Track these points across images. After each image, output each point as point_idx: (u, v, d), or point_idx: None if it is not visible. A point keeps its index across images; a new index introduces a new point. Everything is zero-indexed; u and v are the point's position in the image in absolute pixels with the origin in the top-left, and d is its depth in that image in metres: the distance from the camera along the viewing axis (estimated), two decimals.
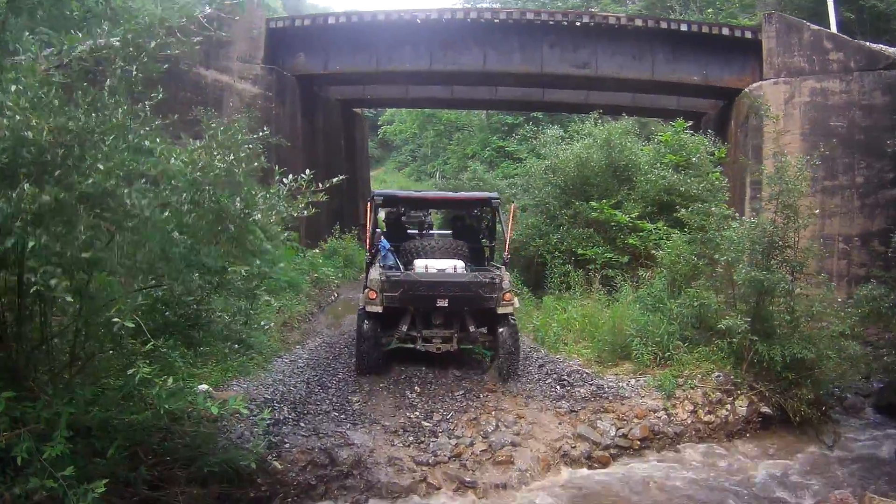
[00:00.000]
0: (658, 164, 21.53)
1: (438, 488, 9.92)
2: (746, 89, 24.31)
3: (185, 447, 8.29)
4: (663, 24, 26.02)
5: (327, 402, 11.94)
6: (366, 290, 13.36)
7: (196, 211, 7.13)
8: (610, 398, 12.71)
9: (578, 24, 26.30)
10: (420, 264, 13.85)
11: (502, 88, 35.15)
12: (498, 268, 14.06)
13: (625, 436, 11.97)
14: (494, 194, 15.38)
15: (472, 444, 10.87)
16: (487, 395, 12.60)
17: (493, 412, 11.89)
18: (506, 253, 14.40)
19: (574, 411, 12.23)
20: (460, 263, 13.99)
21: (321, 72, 29.80)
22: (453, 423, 11.42)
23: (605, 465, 11.41)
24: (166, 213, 6.59)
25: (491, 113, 51.57)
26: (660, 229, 19.39)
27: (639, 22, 26.29)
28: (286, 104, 28.97)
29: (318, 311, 20.45)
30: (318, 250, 26.60)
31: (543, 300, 19.04)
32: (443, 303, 12.99)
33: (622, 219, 19.92)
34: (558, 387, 13.19)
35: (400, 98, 37.23)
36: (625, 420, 12.20)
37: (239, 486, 8.60)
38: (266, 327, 9.15)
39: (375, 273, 13.23)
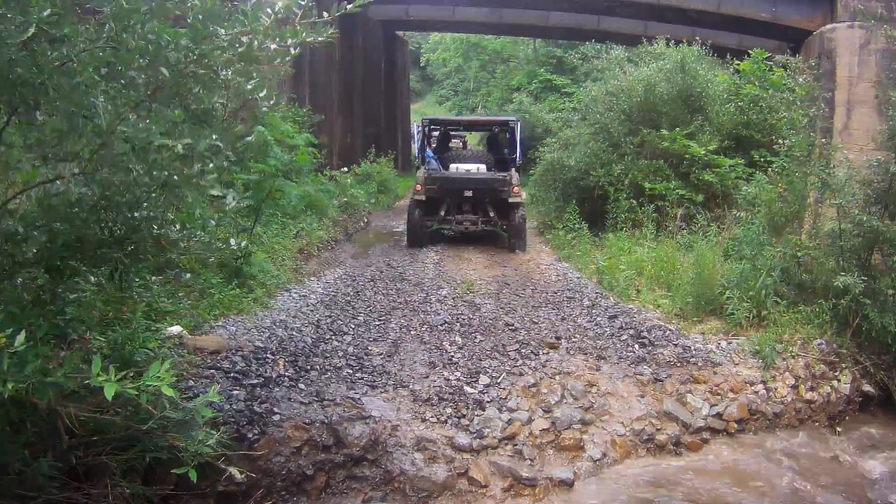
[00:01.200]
0: (735, 95, 18.44)
1: (484, 486, 6.84)
2: (817, 31, 20.73)
3: (115, 425, 5.14)
4: None
5: (339, 354, 8.74)
6: (415, 185, 17.44)
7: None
8: (699, 364, 9.48)
9: None
10: (453, 167, 18.44)
11: (554, 14, 31.67)
12: (513, 170, 17.90)
13: (719, 415, 8.81)
14: (513, 117, 21.35)
15: (529, 422, 7.78)
16: (549, 353, 9.42)
17: (557, 376, 8.74)
18: (518, 160, 18.89)
19: (658, 380, 9.05)
20: (483, 167, 18.55)
21: None
22: (505, 391, 8.26)
23: (695, 451, 8.32)
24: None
25: (539, 44, 47.94)
26: (737, 166, 16.41)
27: None
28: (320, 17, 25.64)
29: (343, 238, 17.42)
30: (350, 174, 23.72)
31: (606, 239, 15.95)
32: (468, 193, 17.22)
33: (697, 151, 16.60)
34: (637, 346, 9.97)
35: (445, 20, 33.62)
36: (718, 394, 9.03)
37: (203, 478, 5.38)
38: (241, 247, 6.24)
39: (421, 172, 17.51)
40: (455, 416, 7.58)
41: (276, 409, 6.89)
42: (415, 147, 21.79)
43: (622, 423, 8.10)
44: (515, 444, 7.38)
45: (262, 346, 8.44)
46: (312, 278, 12.38)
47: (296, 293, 11.12)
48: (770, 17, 22.81)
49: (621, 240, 15.28)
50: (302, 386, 7.63)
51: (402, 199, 26.67)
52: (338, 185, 19.55)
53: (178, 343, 7.44)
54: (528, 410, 7.91)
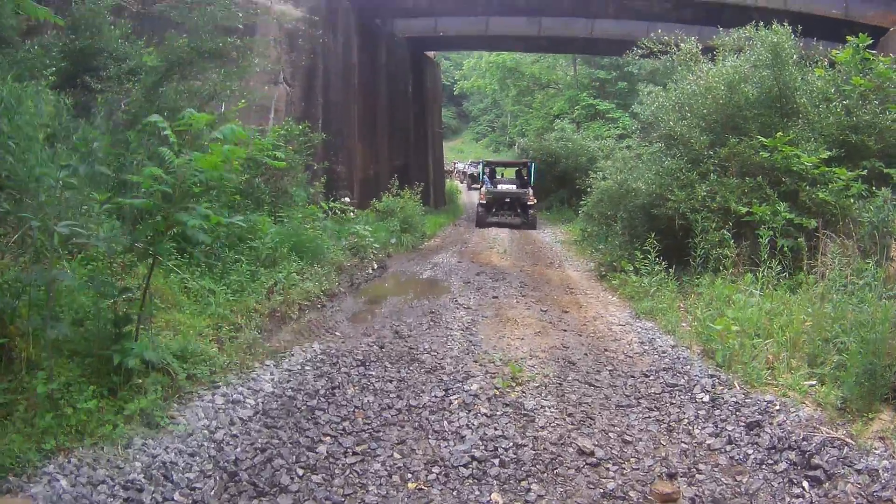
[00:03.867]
0: (838, 92, 13.63)
1: None
2: (894, 29, 18.30)
3: None
4: None
5: None
6: (479, 196, 29.87)
7: None
8: None
9: None
10: (499, 186, 30.61)
11: (600, 24, 27.48)
12: (529, 188, 29.52)
13: None
14: (529, 161, 31.80)
15: None
16: None
17: None
18: (531, 183, 29.95)
19: None
20: (514, 186, 30.39)
21: None
22: None
23: None
24: None
25: (580, 66, 43.78)
26: (854, 180, 11.69)
27: None
28: (338, 34, 21.75)
29: (346, 290, 12.79)
30: (369, 209, 19.75)
31: (695, 284, 11.74)
32: (507, 200, 29.37)
33: (808, 161, 11.96)
34: (805, 483, 5.46)
35: (479, 35, 29.40)
36: None
37: None
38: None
39: (483, 188, 30.08)
40: None
41: None
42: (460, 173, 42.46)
43: None
44: None
45: None
46: (269, 362, 7.76)
47: (224, 395, 6.58)
48: (841, 13, 20.13)
49: (719, 285, 10.67)
50: None
51: (433, 239, 22.27)
52: (336, 223, 15.20)
53: None
54: None
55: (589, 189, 19.10)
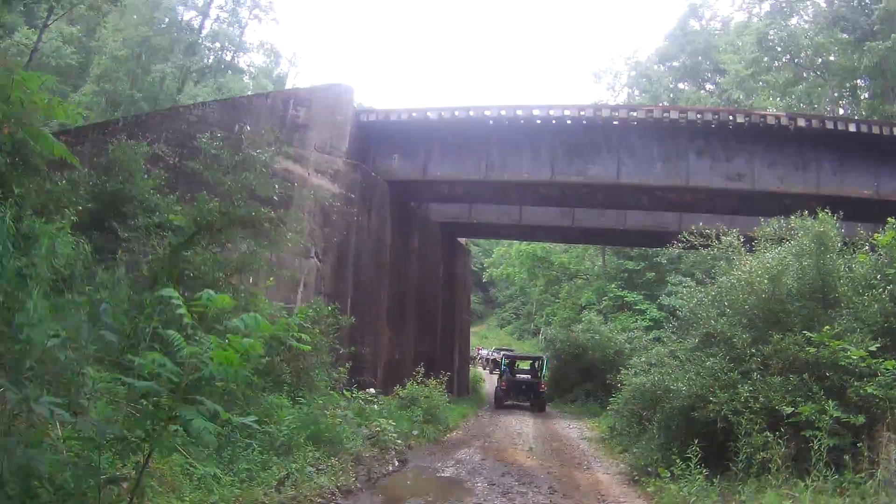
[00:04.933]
0: (882, 279, 12.62)
1: None
2: None
3: None
4: (829, 125, 20.32)
5: None
6: (497, 381, 33.12)
7: None
8: None
9: (731, 125, 20.45)
10: (516, 375, 34.37)
11: (633, 215, 27.50)
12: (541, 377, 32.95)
13: None
14: (543, 355, 36.14)
15: None
16: None
17: None
18: (544, 374, 33.25)
19: None
20: (529, 376, 34.29)
21: (419, 178, 22.77)
22: None
23: None
24: None
25: (609, 257, 43.78)
26: None
27: (802, 122, 20.18)
28: (372, 212, 21.67)
29: (361, 486, 11.61)
30: (392, 395, 18.89)
31: (739, 493, 10.54)
32: (523, 386, 32.76)
33: (856, 354, 11.04)
34: None
35: (512, 224, 29.42)
36: None
37: None
38: None
39: (503, 376, 32.57)
40: None
41: None
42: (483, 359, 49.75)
43: None
44: None
45: None
46: None
47: None
48: (872, 193, 20.16)
49: (769, 500, 9.56)
50: None
51: (456, 431, 21.09)
52: (357, 413, 14.23)
53: None
54: None
55: (620, 385, 18.22)
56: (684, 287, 19.00)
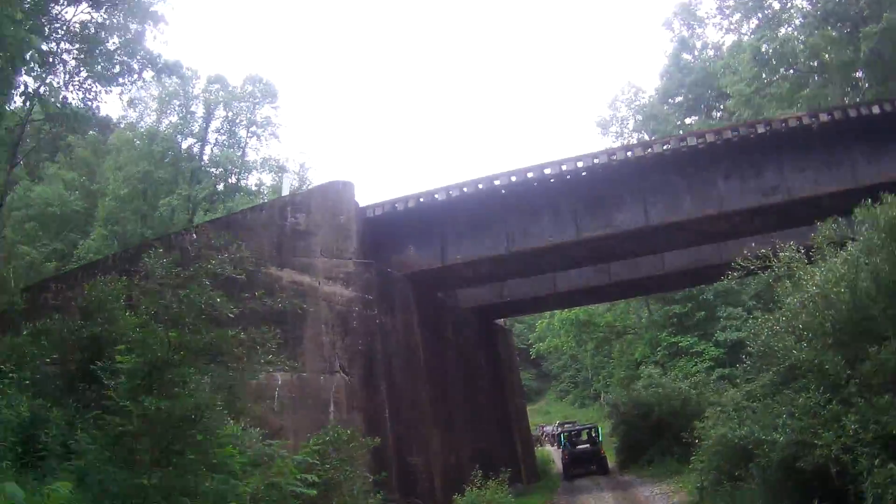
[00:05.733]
0: None
1: None
2: None
3: None
4: (852, 112, 18.88)
5: None
6: (562, 454, 36.26)
7: None
8: None
9: (753, 136, 19.03)
10: (577, 447, 35.62)
11: (670, 257, 25.82)
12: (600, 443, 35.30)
13: None
14: (595, 424, 39.68)
15: None
16: None
17: None
18: (599, 440, 35.83)
19: None
20: (588, 446, 35.45)
21: (439, 264, 21.26)
22: None
23: None
24: None
25: (654, 306, 41.88)
26: None
27: (825, 117, 18.70)
28: (395, 311, 20.18)
29: None
30: None
31: None
32: (585, 456, 34.49)
33: None
34: None
35: (546, 295, 27.84)
36: None
37: None
38: None
39: (564, 449, 35.90)
40: None
41: None
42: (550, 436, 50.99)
43: None
44: None
45: None
46: None
47: None
48: None
49: None
50: None
51: None
52: None
53: None
54: None
55: (698, 441, 16.32)
56: (751, 318, 17.04)
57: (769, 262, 13.60)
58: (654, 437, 30.98)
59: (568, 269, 25.80)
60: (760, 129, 18.89)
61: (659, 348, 40.59)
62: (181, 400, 8.36)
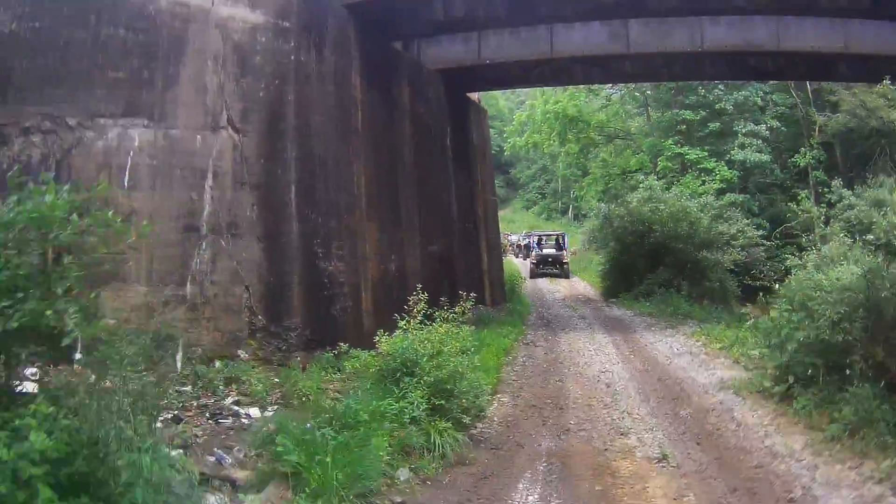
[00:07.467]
0: None
1: None
2: None
3: None
4: None
5: None
6: (529, 258, 45.10)
7: None
8: None
9: None
10: (543, 250, 43.48)
11: (712, 31, 18.68)
12: (564, 251, 43.29)
13: None
14: (564, 232, 48.32)
15: None
16: None
17: None
18: (565, 247, 43.82)
19: None
20: (554, 249, 43.30)
21: None
22: None
23: None
24: None
25: (654, 112, 34.99)
26: None
27: None
28: (325, 49, 13.09)
29: None
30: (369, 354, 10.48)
31: None
32: (550, 259, 42.25)
33: None
34: None
35: (538, 61, 20.24)
36: None
37: None
38: None
39: (533, 252, 44.31)
40: None
41: None
42: (514, 246, 56.19)
43: None
44: None
45: None
46: None
47: None
48: None
49: None
50: None
51: (496, 402, 11.54)
52: None
53: None
54: None
55: (777, 294, 10.47)
56: None
57: None
58: (652, 265, 25.03)
59: (574, 21, 18.47)
60: None
61: (660, 158, 33.82)
62: None
